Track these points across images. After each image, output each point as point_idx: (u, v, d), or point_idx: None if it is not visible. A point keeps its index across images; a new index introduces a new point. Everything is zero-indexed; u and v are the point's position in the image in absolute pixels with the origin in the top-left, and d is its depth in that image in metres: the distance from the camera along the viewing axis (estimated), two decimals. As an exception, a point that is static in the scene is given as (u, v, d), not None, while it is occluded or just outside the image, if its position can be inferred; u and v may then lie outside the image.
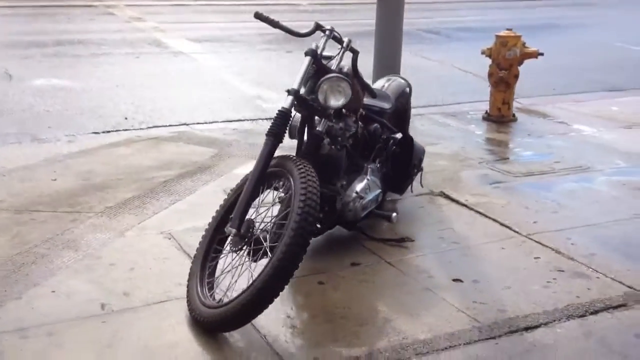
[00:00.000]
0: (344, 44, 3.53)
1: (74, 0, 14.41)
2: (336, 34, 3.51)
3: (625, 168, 5.26)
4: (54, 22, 12.24)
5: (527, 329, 3.02)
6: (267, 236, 3.03)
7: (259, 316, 2.90)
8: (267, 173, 3.13)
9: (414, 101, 4.82)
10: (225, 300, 2.93)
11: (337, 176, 3.61)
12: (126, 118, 6.73)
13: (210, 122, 6.73)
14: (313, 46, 3.35)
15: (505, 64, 6.54)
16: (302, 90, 3.33)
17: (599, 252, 3.78)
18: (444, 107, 7.36)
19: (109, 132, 6.33)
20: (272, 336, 2.95)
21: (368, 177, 3.81)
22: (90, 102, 7.20)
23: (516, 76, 6.58)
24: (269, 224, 3.12)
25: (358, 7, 14.89)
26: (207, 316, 2.91)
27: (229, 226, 3.03)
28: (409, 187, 4.34)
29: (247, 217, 3.07)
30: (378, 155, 3.97)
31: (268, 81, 8.48)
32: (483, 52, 6.70)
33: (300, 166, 3.00)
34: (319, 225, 3.46)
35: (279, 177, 3.15)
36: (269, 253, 2.94)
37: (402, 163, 4.12)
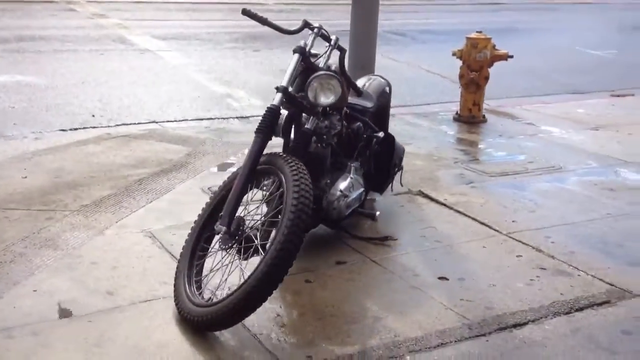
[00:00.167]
0: (332, 42, 3.51)
1: (33, -4, 14.13)
2: (324, 31, 3.50)
3: (596, 169, 5.37)
4: (15, 17, 11.96)
5: (515, 325, 3.05)
6: (258, 234, 3.00)
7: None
8: (257, 170, 3.10)
9: (385, 102, 4.84)
10: (216, 298, 2.89)
11: (322, 174, 3.60)
12: (93, 115, 6.61)
13: (180, 120, 6.67)
14: (301, 44, 3.32)
15: (476, 65, 6.62)
16: (290, 88, 3.31)
17: (578, 250, 3.84)
18: (414, 108, 7.42)
19: (76, 129, 6.22)
20: (263, 335, 2.92)
21: (351, 175, 3.80)
22: (55, 99, 7.06)
23: (486, 78, 6.67)
24: (258, 221, 3.09)
25: (324, 8, 14.95)
26: (197, 315, 2.87)
27: (218, 224, 2.99)
28: (390, 186, 4.34)
29: (237, 214, 3.03)
30: (360, 154, 3.97)
31: (237, 80, 8.44)
32: (454, 54, 6.76)
33: (292, 164, 2.98)
34: None
35: (269, 175, 3.12)
36: (260, 251, 2.91)
37: (383, 162, 4.12)
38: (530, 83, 8.95)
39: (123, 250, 3.67)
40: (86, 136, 5.91)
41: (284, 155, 3.10)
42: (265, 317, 3.02)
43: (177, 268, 3.19)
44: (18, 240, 3.70)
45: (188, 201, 4.42)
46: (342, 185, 3.69)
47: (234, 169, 5.03)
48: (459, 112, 6.83)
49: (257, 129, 3.16)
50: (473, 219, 4.25)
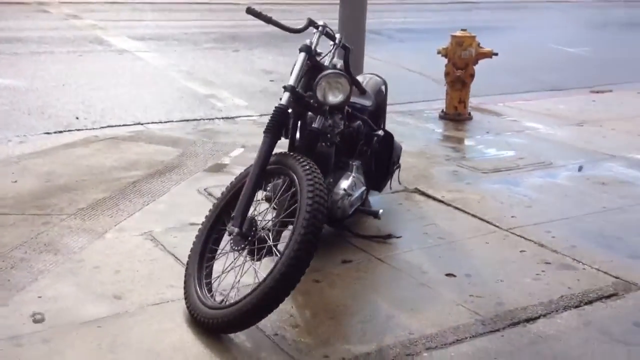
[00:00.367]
0: (337, 40, 3.50)
1: (4, -3, 13.87)
2: (329, 30, 3.48)
3: (585, 163, 5.43)
4: (-13, 19, 11.75)
5: (528, 320, 3.07)
6: (270, 234, 2.97)
7: (261, 317, 2.84)
8: (267, 171, 3.07)
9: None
10: (230, 300, 2.85)
11: (327, 174, 3.58)
12: (77, 118, 6.52)
13: (165, 122, 6.60)
14: (307, 42, 3.30)
15: (461, 63, 6.65)
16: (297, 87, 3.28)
17: (579, 244, 3.88)
18: (398, 106, 7.42)
19: (61, 132, 6.12)
20: (278, 336, 2.89)
21: (353, 174, 3.79)
22: (37, 102, 6.94)
23: (472, 75, 6.71)
24: (269, 222, 3.06)
25: (299, 8, 14.91)
26: (211, 317, 2.83)
27: (230, 225, 2.96)
28: (389, 184, 4.34)
29: (249, 215, 3.00)
30: (361, 152, 3.96)
31: (219, 80, 8.38)
32: (439, 52, 6.79)
33: (304, 163, 2.95)
34: None
35: (279, 175, 3.09)
36: (275, 251, 2.88)
37: (382, 160, 4.12)
38: (510, 80, 9.03)
39: (125, 253, 3.61)
40: (72, 139, 5.82)
41: (295, 155, 3.07)
42: (278, 318, 2.99)
43: (186, 270, 3.15)
44: (17, 246, 3.62)
45: (185, 203, 4.38)
46: (345, 184, 3.68)
47: (228, 170, 5.03)
48: (444, 109, 6.87)
49: (266, 128, 3.13)
50: (472, 215, 4.27)
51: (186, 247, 3.64)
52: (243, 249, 2.94)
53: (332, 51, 3.49)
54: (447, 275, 3.48)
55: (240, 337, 2.87)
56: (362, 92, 3.74)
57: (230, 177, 4.79)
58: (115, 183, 4.67)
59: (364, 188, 3.90)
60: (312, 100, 3.27)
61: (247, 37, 11.33)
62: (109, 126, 6.36)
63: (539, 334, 2.96)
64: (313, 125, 3.35)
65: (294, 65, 3.33)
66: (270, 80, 8.53)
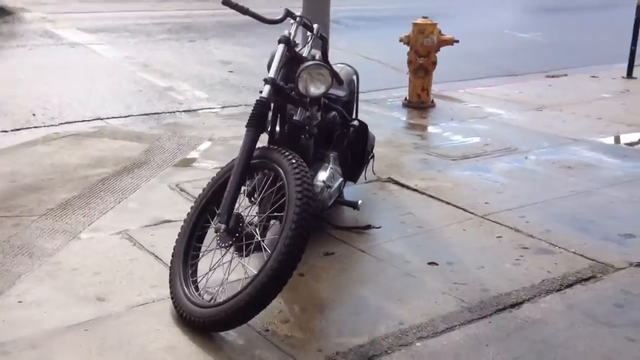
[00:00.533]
0: (314, 31, 3.47)
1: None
2: (306, 21, 3.45)
3: (549, 148, 5.54)
4: None
5: (513, 306, 3.11)
6: (257, 230, 2.94)
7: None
8: (251, 165, 3.04)
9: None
10: (221, 298, 2.82)
11: (307, 166, 3.56)
12: (34, 114, 6.35)
13: (126, 116, 6.49)
14: (286, 33, 3.27)
15: (424, 51, 6.69)
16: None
17: (553, 228, 3.95)
18: (361, 95, 7.38)
19: (19, 130, 5.97)
20: (269, 332, 2.87)
21: (331, 165, 3.78)
22: (-10, 99, 6.74)
23: (434, 63, 6.76)
24: (254, 217, 3.03)
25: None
26: (201, 316, 2.80)
27: (217, 221, 2.92)
28: (363, 174, 4.35)
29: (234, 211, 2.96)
30: (337, 143, 3.95)
31: (177, 72, 8.27)
32: (401, 40, 6.82)
33: (290, 157, 2.93)
34: None
35: (263, 169, 3.06)
36: (265, 247, 2.86)
37: (358, 150, 4.12)
38: (467, 67, 9.13)
39: (102, 254, 3.54)
40: (32, 137, 5.68)
41: (279, 149, 3.04)
42: (267, 314, 2.97)
43: (170, 269, 3.10)
44: (-11, 250, 3.51)
45: (157, 199, 4.31)
46: (324, 175, 3.67)
47: (197, 165, 4.97)
48: (407, 97, 6.91)
49: (248, 122, 3.08)
50: (447, 203, 4.31)
51: (164, 245, 3.61)
52: (231, 245, 2.91)
53: (310, 42, 3.46)
54: (430, 264, 3.51)
55: (231, 335, 2.84)
56: (340, 82, 3.73)
57: (200, 172, 4.79)
58: (83, 181, 4.57)
59: (341, 179, 3.90)
60: (292, 92, 3.24)
61: (201, 27, 11.20)
62: (67, 122, 6.23)
63: (525, 319, 3.00)
64: (294, 118, 3.32)
65: (272, 56, 3.30)
66: (229, 72, 8.45)
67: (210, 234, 3.15)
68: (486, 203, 4.30)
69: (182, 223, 3.87)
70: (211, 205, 3.17)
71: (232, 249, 2.96)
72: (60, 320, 2.91)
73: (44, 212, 4.03)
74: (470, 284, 3.30)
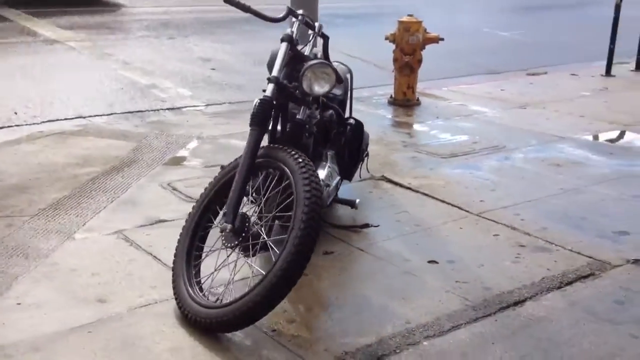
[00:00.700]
0: (316, 29, 3.45)
1: None
2: (308, 19, 3.43)
3: (537, 146, 5.58)
4: None
5: (516, 304, 3.13)
6: (262, 229, 2.92)
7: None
8: (255, 164, 3.01)
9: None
10: (229, 298, 2.79)
11: (307, 165, 3.54)
12: (16, 113, 6.24)
13: (109, 114, 6.40)
14: (288, 32, 3.24)
15: (409, 49, 6.71)
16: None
17: (548, 225, 3.98)
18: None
19: (1, 128, 5.85)
20: (276, 332, 2.85)
21: (329, 164, 3.77)
22: (-31, 97, 6.60)
23: (420, 61, 6.78)
24: (260, 216, 3.01)
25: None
26: (208, 317, 2.77)
27: (223, 221, 2.89)
28: (357, 173, 4.34)
29: (240, 211, 2.93)
30: (334, 141, 3.94)
31: (159, 70, 8.18)
32: (386, 38, 6.83)
33: (296, 156, 2.90)
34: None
35: (268, 168, 3.03)
36: (272, 247, 2.83)
37: (354, 148, 4.12)
38: (448, 65, 9.17)
39: (99, 254, 3.49)
40: (15, 135, 5.57)
41: (284, 147, 3.01)
42: (273, 315, 2.92)
43: (173, 270, 3.06)
44: (-18, 251, 3.44)
45: (149, 199, 4.26)
46: (322, 174, 3.65)
47: (187, 163, 4.92)
48: (393, 95, 6.92)
49: (251, 121, 3.05)
50: (441, 201, 4.32)
51: (162, 245, 3.58)
52: (237, 245, 2.88)
53: (312, 40, 3.44)
54: (430, 262, 3.51)
55: (238, 336, 2.81)
56: (340, 81, 3.71)
57: (191, 171, 4.75)
58: (72, 180, 4.50)
59: (339, 178, 3.89)
60: (296, 91, 3.22)
61: (179, 24, 11.10)
62: (50, 120, 6.12)
63: (529, 316, 3.02)
64: (298, 117, 3.30)
65: (273, 55, 3.28)
66: (212, 69, 8.39)
67: (213, 234, 3.12)
68: (480, 201, 4.32)
69: (177, 223, 3.87)
70: (214, 205, 3.14)
71: (237, 249, 2.93)
72: (61, 322, 2.86)
73: (36, 212, 3.96)
74: (472, 282, 3.31)
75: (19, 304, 3.00)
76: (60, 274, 3.27)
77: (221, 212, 3.08)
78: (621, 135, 6.04)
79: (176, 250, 3.12)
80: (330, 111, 3.90)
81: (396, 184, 4.60)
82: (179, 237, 3.17)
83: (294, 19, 3.34)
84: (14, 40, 9.20)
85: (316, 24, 3.48)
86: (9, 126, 5.91)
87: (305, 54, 3.37)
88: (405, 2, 15.72)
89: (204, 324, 2.78)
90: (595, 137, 5.93)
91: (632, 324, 2.98)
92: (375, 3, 14.80)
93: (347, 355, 2.72)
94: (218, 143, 5.44)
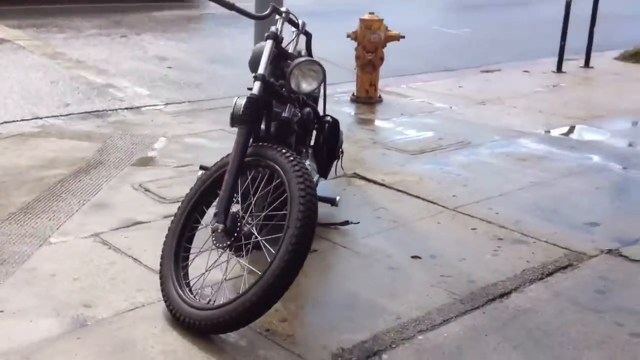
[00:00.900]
0: (300, 27, 3.44)
1: None
2: (292, 16, 3.42)
3: (501, 141, 5.69)
4: None
5: (502, 296, 3.18)
6: (254, 229, 2.90)
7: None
8: (245, 163, 2.98)
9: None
10: (224, 299, 2.77)
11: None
12: (-31, 114, 6.03)
13: (66, 115, 6.24)
14: (273, 29, 3.22)
15: (371, 46, 6.75)
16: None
17: (522, 218, 4.07)
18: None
19: (-47, 130, 5.64)
20: (270, 332, 2.84)
21: (308, 162, 3.77)
22: None
23: (382, 58, 6.82)
24: (251, 216, 2.98)
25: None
26: (201, 319, 2.73)
27: (214, 221, 2.86)
28: (334, 170, 4.35)
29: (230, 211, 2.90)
30: (315, 139, 3.94)
31: (113, 69, 8.03)
32: (348, 36, 6.85)
33: (288, 154, 2.89)
34: None
35: (257, 167, 3.01)
36: (266, 246, 2.81)
37: (330, 146, 4.12)
38: (403, 63, 9.22)
39: (78, 258, 3.40)
40: (-28, 138, 5.38)
41: (273, 146, 2.99)
42: (264, 314, 2.92)
43: (160, 272, 3.01)
44: (-45, 258, 3.32)
45: (122, 200, 4.18)
46: (304, 172, 3.63)
47: (156, 163, 4.84)
48: (355, 93, 6.95)
49: (240, 120, 3.03)
50: (416, 197, 4.36)
51: (141, 247, 3.52)
52: (229, 245, 2.85)
53: (295, 38, 3.43)
54: (413, 257, 3.55)
55: (232, 337, 2.78)
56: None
57: (161, 171, 4.68)
58: (39, 183, 4.38)
59: (317, 175, 3.89)
60: (282, 89, 3.20)
61: (131, 22, 10.91)
62: (5, 122, 5.92)
63: (516, 308, 3.08)
64: (284, 115, 3.29)
65: (255, 53, 3.26)
66: (168, 67, 8.27)
67: (199, 235, 3.09)
68: (453, 196, 4.38)
69: (154, 224, 3.83)
70: (200, 206, 3.10)
71: (229, 250, 2.90)
72: (48, 330, 2.79)
73: (6, 216, 3.84)
74: (456, 276, 3.36)
75: (1, 311, 2.90)
76: (40, 280, 3.18)
77: (207, 212, 3.06)
78: (580, 130, 6.21)
79: (162, 252, 3.07)
80: (308, 109, 3.89)
81: (369, 180, 4.62)
82: (165, 238, 3.12)
83: (277, 17, 3.32)
84: (-40, 39, 8.90)
85: (299, 21, 3.47)
86: (-37, 129, 5.71)
87: (290, 51, 3.35)
88: (354, 1, 15.84)
89: (198, 326, 2.74)
90: (556, 132, 6.07)
91: (615, 312, 3.07)
92: (324, 2, 14.81)
93: (345, 352, 2.72)
94: (185, 143, 5.37)
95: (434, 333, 2.87)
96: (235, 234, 2.85)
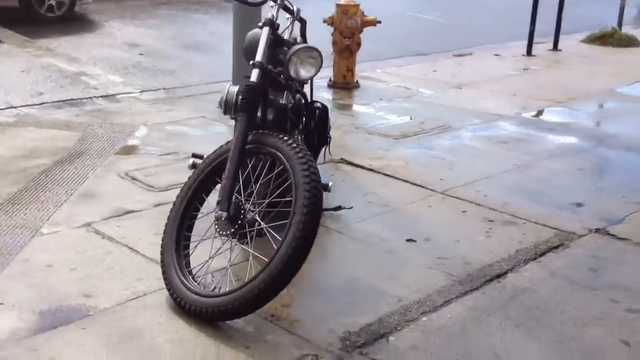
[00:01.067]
0: (295, 13, 3.43)
1: None
2: (287, 3, 3.40)
3: (480, 124, 5.76)
4: None
5: (499, 276, 3.24)
6: (258, 216, 2.89)
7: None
8: (245, 151, 2.97)
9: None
10: (230, 287, 2.77)
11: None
12: (-60, 105, 5.89)
13: (40, 104, 6.13)
14: (269, 16, 3.20)
15: (348, 32, 6.75)
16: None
17: (510, 200, 4.14)
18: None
19: None
20: (275, 317, 2.85)
21: (301, 148, 3.76)
22: None
23: (358, 44, 6.83)
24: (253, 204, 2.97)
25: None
26: (207, 306, 2.72)
27: (217, 209, 2.85)
28: (323, 156, 4.36)
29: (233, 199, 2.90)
30: (305, 125, 3.94)
31: (84, 56, 7.91)
32: (325, 21, 6.84)
33: (290, 141, 2.88)
34: None
35: (258, 155, 3.00)
36: (271, 232, 2.81)
37: (320, 132, 4.13)
38: (377, 48, 9.22)
39: (72, 248, 3.36)
40: (-53, 128, 5.26)
41: (273, 133, 2.98)
42: (268, 300, 2.94)
43: (162, 261, 2.99)
44: (-53, 251, 3.25)
45: (110, 189, 4.14)
46: (296, 158, 3.64)
47: (140, 151, 4.80)
48: (332, 78, 6.95)
49: (240, 108, 3.01)
50: (404, 181, 4.40)
51: (136, 236, 3.50)
52: (233, 233, 2.85)
53: (291, 24, 3.42)
54: (408, 240, 3.58)
55: (239, 323, 2.79)
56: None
57: (146, 159, 4.64)
58: (23, 174, 4.31)
59: (309, 161, 3.88)
60: (280, 76, 3.20)
61: (99, 9, 10.71)
62: (-22, 112, 5.81)
63: (514, 287, 3.14)
64: (282, 102, 3.28)
65: (250, 40, 3.25)
66: (140, 54, 8.18)
67: (199, 223, 3.08)
68: (441, 179, 4.43)
69: (146, 213, 3.81)
70: (199, 194, 3.09)
71: (233, 237, 2.90)
72: (51, 320, 2.76)
73: (-7, 207, 3.77)
74: (452, 258, 3.40)
75: (1, 303, 2.86)
76: (36, 271, 3.14)
77: (206, 200, 3.05)
78: (555, 112, 6.31)
79: (163, 241, 3.05)
80: (298, 95, 3.89)
81: (356, 165, 4.65)
82: (165, 227, 3.10)
83: (272, 3, 3.30)
84: None
85: (294, 8, 3.45)
86: None
87: (285, 38, 3.34)
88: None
89: (205, 313, 2.74)
90: (532, 115, 6.17)
91: (610, 289, 3.15)
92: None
93: (352, 335, 2.75)
94: (166, 130, 5.32)
95: (437, 314, 2.92)
96: (239, 222, 2.84)
